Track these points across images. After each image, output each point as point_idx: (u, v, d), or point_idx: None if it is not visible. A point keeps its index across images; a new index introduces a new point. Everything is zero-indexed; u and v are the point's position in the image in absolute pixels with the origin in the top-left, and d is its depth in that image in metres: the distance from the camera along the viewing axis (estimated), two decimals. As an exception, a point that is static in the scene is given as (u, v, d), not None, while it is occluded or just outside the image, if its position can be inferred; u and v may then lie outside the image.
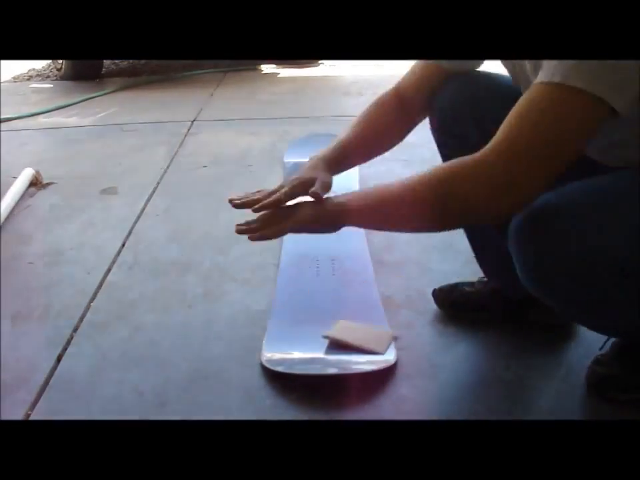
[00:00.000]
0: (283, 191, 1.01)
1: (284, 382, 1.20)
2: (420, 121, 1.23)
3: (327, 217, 0.98)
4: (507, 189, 0.86)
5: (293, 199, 1.01)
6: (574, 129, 0.85)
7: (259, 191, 1.05)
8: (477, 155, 0.88)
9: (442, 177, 0.91)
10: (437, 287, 1.39)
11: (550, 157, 0.85)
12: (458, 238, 1.69)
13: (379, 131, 1.18)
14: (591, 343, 1.20)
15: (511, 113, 0.87)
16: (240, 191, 1.06)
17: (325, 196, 1.00)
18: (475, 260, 1.36)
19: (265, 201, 1.00)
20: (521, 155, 0.85)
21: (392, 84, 1.21)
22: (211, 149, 2.59)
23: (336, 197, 0.99)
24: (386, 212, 0.96)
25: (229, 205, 1.03)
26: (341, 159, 1.12)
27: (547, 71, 0.84)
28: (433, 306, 1.39)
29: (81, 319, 1.44)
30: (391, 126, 1.20)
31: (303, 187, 1.01)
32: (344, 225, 0.99)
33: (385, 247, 1.69)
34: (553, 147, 0.85)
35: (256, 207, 1.00)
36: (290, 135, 2.66)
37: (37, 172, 2.27)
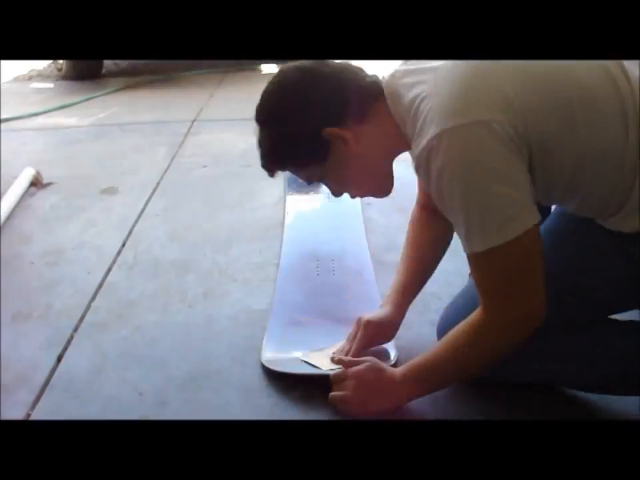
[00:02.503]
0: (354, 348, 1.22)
1: (284, 382, 1.20)
2: None
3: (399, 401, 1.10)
4: (521, 325, 0.96)
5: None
6: (536, 254, 0.92)
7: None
8: (478, 323, 0.98)
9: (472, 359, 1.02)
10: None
11: (539, 277, 0.93)
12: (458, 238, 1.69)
13: (425, 250, 1.30)
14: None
15: (478, 286, 0.98)
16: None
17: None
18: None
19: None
20: (526, 293, 0.94)
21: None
22: (211, 149, 2.59)
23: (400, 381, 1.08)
24: (443, 381, 1.09)
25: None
26: (407, 295, 1.28)
27: (466, 242, 0.94)
28: (433, 306, 1.39)
29: (81, 319, 1.44)
30: (432, 240, 1.28)
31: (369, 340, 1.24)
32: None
33: (385, 247, 1.69)
34: (535, 272, 0.93)
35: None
36: (290, 134, 2.66)
37: (37, 172, 2.27)
